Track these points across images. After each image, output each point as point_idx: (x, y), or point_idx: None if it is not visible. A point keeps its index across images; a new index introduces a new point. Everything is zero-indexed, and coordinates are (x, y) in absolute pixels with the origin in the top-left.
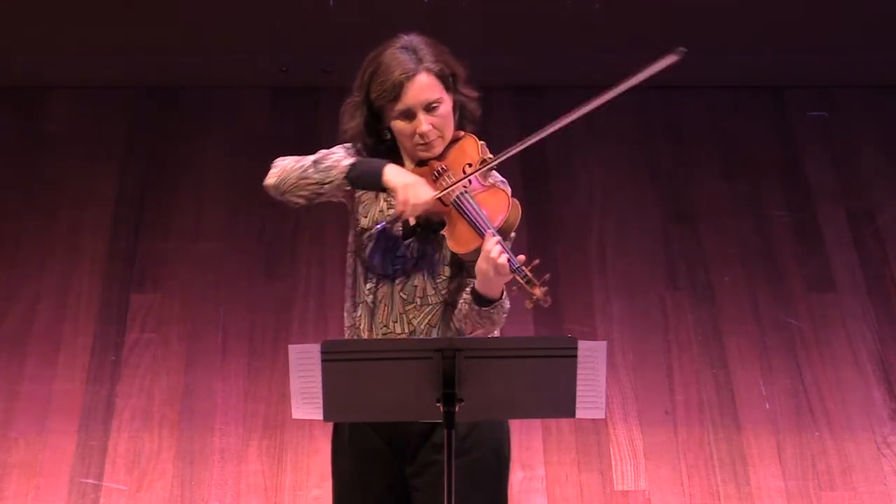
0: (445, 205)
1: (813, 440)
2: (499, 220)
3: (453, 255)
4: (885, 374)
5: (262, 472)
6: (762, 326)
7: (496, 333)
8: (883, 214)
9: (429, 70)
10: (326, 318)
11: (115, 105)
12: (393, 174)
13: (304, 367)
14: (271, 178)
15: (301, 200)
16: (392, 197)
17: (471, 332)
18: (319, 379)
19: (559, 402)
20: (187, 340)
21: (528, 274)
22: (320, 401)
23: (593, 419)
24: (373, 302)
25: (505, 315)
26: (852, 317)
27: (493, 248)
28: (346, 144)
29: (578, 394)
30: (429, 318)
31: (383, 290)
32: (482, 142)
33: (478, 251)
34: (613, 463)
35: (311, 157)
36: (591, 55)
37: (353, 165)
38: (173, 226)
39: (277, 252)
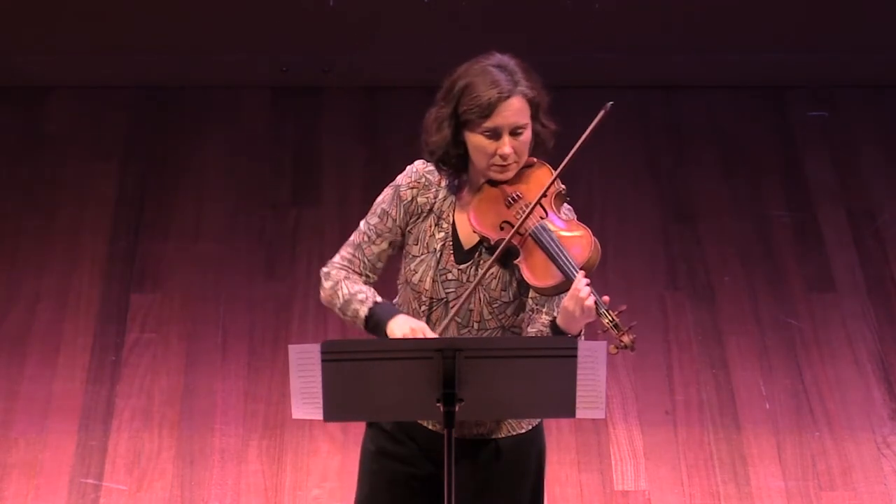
0: (521, 234)
1: (813, 440)
2: (582, 259)
3: (517, 281)
4: (885, 374)
5: (262, 472)
6: (762, 326)
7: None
8: (883, 214)
9: (523, 94)
10: (326, 318)
11: (115, 105)
12: (395, 327)
13: (304, 367)
14: (324, 302)
15: None
16: (439, 224)
17: None
18: (319, 379)
19: (559, 402)
20: (187, 340)
21: (615, 319)
22: (320, 401)
23: (593, 419)
24: (427, 324)
25: None
26: (852, 317)
27: (583, 290)
28: (383, 203)
29: (578, 394)
30: None
31: (436, 313)
32: (556, 176)
33: (556, 287)
34: (613, 463)
35: (342, 295)
36: (591, 55)
37: (366, 319)
38: (173, 226)
39: (277, 252)
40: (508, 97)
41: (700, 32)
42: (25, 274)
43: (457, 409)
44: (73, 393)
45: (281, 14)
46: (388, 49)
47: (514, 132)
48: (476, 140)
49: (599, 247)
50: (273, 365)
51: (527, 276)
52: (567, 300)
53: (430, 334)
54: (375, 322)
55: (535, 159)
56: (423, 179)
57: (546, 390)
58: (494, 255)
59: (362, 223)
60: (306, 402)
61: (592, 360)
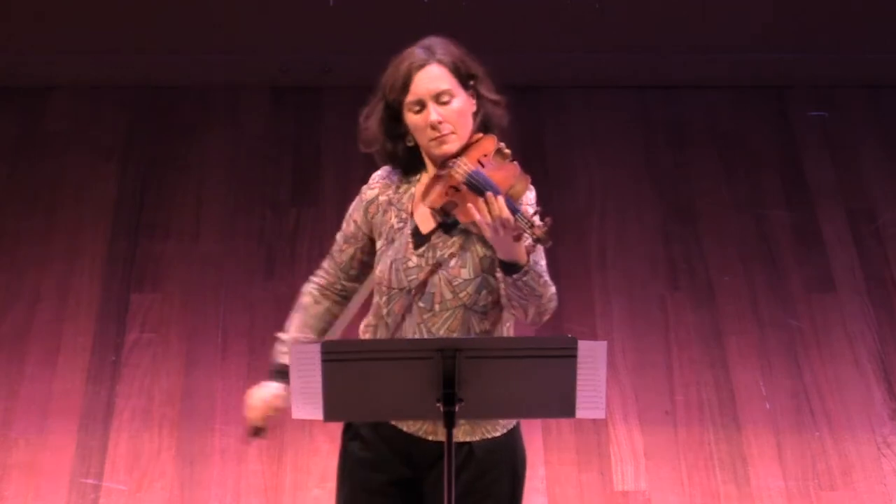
0: (458, 190)
1: (813, 440)
2: (506, 185)
3: (478, 257)
4: (885, 374)
5: (262, 472)
6: (762, 326)
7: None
8: (883, 214)
9: (440, 62)
10: None
11: (115, 105)
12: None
13: (304, 367)
14: None
15: None
16: (399, 213)
17: (525, 318)
18: (319, 379)
19: (559, 402)
20: (187, 340)
21: (529, 219)
22: (320, 401)
23: (593, 419)
24: (388, 315)
25: (545, 282)
26: (852, 317)
27: (497, 202)
28: (350, 212)
29: (578, 394)
30: (448, 323)
31: (399, 303)
32: (501, 143)
33: None
34: (613, 463)
35: (287, 325)
36: (591, 55)
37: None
38: (173, 226)
39: (277, 252)
40: (422, 66)
41: (700, 32)
42: (25, 274)
43: (457, 408)
44: (73, 393)
45: (281, 14)
46: (388, 49)
47: (439, 100)
48: (410, 119)
49: (528, 179)
50: None
51: (460, 217)
52: (482, 225)
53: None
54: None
55: (480, 134)
56: (386, 179)
57: (546, 390)
58: (439, 215)
59: (337, 236)
60: (306, 402)
61: (592, 360)
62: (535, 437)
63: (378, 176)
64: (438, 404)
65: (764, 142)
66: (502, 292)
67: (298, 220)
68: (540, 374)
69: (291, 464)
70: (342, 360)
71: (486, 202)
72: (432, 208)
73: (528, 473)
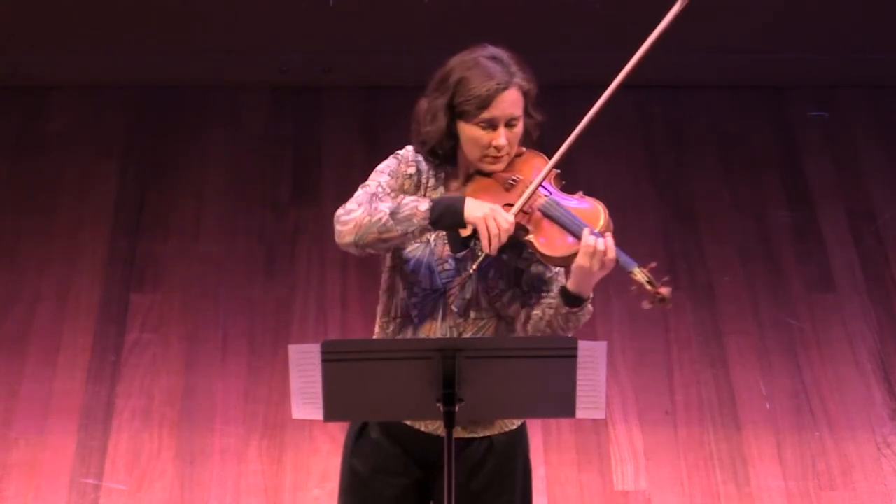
0: (527, 212)
1: (813, 440)
2: (597, 222)
3: (509, 267)
4: (885, 374)
5: (262, 472)
6: (762, 326)
7: None
8: (883, 214)
9: (519, 86)
10: (326, 318)
11: (115, 105)
12: (472, 207)
13: (304, 367)
14: (348, 237)
15: (383, 251)
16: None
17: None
18: (319, 379)
19: (559, 402)
20: (187, 340)
21: (648, 275)
22: (320, 401)
23: (593, 419)
24: (418, 316)
25: (587, 318)
26: (852, 317)
27: (598, 242)
28: (390, 167)
29: (578, 394)
30: (482, 332)
31: (431, 304)
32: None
33: (576, 254)
34: (613, 463)
35: (385, 208)
36: (591, 55)
37: (431, 209)
38: (173, 226)
39: (277, 252)
40: (505, 89)
41: (700, 32)
42: (25, 274)
43: (457, 409)
44: (73, 393)
45: (281, 14)
46: (388, 49)
47: (509, 123)
48: (471, 131)
49: (607, 211)
50: (273, 365)
51: (544, 249)
52: (581, 257)
53: (505, 215)
54: (444, 208)
55: (523, 149)
56: (421, 164)
57: (546, 390)
58: (483, 257)
59: (370, 182)
60: (306, 402)
61: (592, 360)
62: (535, 437)
63: (412, 154)
64: (438, 404)
65: (764, 142)
66: (542, 313)
67: (298, 220)
68: (540, 374)
69: (291, 464)
70: (342, 360)
71: (594, 247)
72: None
73: None
